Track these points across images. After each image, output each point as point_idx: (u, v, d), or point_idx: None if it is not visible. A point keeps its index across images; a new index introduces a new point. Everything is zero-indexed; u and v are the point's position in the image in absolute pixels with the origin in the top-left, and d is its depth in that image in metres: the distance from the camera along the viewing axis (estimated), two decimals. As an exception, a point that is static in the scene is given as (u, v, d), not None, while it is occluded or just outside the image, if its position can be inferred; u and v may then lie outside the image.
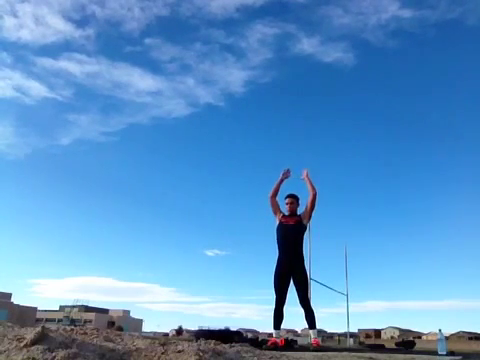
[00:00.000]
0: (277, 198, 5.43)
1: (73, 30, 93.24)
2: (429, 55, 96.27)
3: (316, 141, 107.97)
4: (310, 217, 5.30)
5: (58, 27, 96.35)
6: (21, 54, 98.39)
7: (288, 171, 5.54)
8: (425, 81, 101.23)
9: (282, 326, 5.15)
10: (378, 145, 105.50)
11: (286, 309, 5.07)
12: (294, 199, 5.33)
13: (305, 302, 4.98)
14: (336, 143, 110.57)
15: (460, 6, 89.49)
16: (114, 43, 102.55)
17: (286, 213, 5.30)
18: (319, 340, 5.55)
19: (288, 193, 5.41)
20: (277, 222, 5.28)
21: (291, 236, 5.13)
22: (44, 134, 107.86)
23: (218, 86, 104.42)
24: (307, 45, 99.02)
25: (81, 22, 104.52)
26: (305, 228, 5.27)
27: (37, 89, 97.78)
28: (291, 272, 5.00)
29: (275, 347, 4.69)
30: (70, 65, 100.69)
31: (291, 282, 5.01)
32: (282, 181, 5.47)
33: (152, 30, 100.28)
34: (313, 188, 5.26)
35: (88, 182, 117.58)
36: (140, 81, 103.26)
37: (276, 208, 5.36)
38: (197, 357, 2.13)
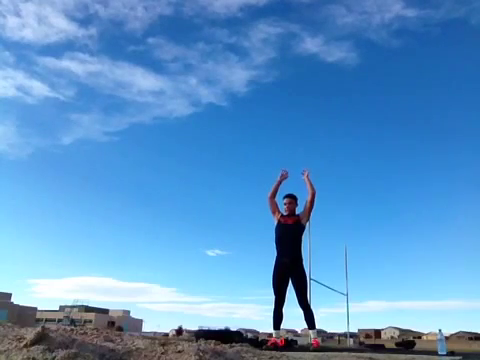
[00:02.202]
0: (276, 198, 5.45)
1: (76, 29, 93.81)
2: (433, 54, 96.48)
3: (318, 141, 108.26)
4: (309, 217, 5.32)
5: (61, 26, 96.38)
6: (24, 53, 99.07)
7: (286, 172, 5.54)
8: (429, 80, 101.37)
9: (282, 326, 5.15)
10: (380, 145, 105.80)
11: (286, 309, 5.08)
12: (292, 199, 5.34)
13: (304, 303, 4.98)
14: (338, 143, 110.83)
15: (464, 5, 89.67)
16: (117, 42, 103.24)
17: (284, 213, 5.31)
18: (319, 340, 5.55)
19: (286, 193, 5.43)
20: (275, 222, 5.29)
21: (290, 236, 5.13)
22: (46, 134, 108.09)
23: (221, 86, 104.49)
24: (310, 45, 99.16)
25: (84, 21, 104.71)
26: (304, 228, 5.27)
27: (39, 89, 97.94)
28: (290, 272, 5.00)
29: (275, 347, 4.69)
30: (72, 64, 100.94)
31: (290, 282, 5.01)
32: (280, 182, 5.47)
33: (155, 29, 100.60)
34: (312, 188, 5.27)
35: (89, 182, 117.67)
36: (142, 81, 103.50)
37: (274, 208, 5.37)
38: (197, 357, 2.13)
